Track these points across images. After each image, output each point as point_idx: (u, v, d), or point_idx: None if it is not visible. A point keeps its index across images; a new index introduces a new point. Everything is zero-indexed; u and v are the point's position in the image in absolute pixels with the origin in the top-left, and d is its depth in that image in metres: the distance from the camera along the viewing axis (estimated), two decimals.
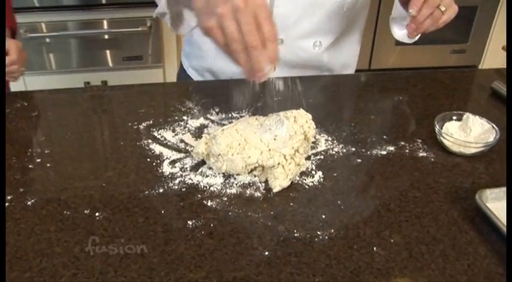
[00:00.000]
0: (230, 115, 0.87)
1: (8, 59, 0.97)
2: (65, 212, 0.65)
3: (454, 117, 0.82)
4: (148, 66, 2.04)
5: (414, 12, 0.81)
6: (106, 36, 1.98)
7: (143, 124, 0.86)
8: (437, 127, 0.79)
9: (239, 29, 0.61)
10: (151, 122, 0.87)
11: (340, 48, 1.07)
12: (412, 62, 2.28)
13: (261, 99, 0.91)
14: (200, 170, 0.73)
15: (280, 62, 1.03)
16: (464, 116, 0.80)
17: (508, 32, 0.90)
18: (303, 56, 1.03)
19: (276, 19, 0.92)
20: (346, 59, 1.11)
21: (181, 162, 0.75)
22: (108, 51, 2.02)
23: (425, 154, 0.78)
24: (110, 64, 2.06)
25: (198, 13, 0.65)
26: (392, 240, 0.60)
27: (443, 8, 0.83)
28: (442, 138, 0.78)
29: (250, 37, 0.61)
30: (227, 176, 0.71)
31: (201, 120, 0.86)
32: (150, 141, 0.81)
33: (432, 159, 0.77)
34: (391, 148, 0.79)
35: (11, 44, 0.99)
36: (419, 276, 0.56)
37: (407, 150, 0.79)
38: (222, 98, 0.92)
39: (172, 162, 0.75)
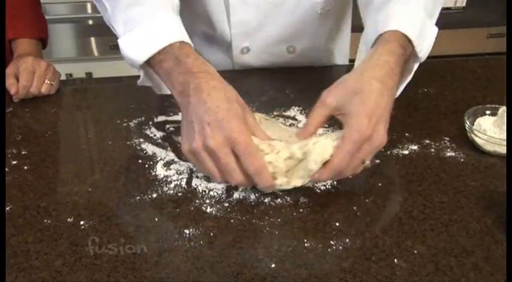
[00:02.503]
0: None
1: (20, 86, 0.92)
2: (45, 220, 0.66)
3: (488, 112, 0.82)
4: None
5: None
6: (90, 22, 2.00)
7: (134, 121, 0.88)
8: (467, 123, 0.80)
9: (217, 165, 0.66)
10: (143, 119, 0.88)
11: (321, 51, 1.10)
12: (441, 49, 2.20)
13: (266, 93, 0.93)
14: (198, 172, 0.74)
15: (251, 68, 1.06)
16: (500, 110, 0.81)
17: (508, 32, 0.91)
18: (276, 62, 1.06)
19: (235, 28, 0.96)
20: (330, 59, 1.14)
21: (177, 164, 0.76)
22: (92, 39, 2.04)
23: (453, 154, 0.79)
24: (95, 53, 2.08)
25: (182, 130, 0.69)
26: (415, 252, 0.61)
27: (367, 163, 0.72)
28: (473, 135, 0.79)
29: (231, 175, 0.65)
30: None
31: None
32: (141, 140, 0.82)
33: (462, 160, 0.78)
34: (414, 147, 0.80)
35: (21, 65, 0.95)
36: None
37: (433, 150, 0.80)
38: None
39: (167, 164, 0.77)
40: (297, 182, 0.68)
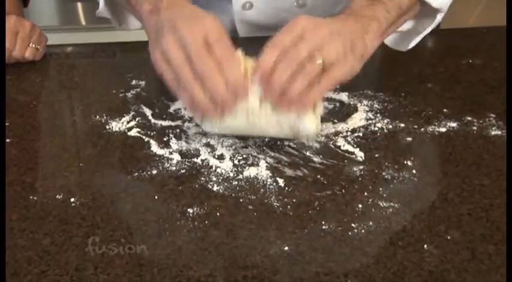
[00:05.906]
0: None
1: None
2: (30, 197, 0.71)
3: None
4: None
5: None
6: None
7: (131, 91, 0.93)
8: None
9: (187, 58, 0.71)
10: (141, 89, 0.94)
11: (339, 3, 1.11)
12: (494, 18, 2.24)
13: None
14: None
15: (256, 26, 1.09)
16: None
17: (508, 31, 0.94)
18: (284, 17, 1.08)
19: None
20: None
21: None
22: (79, 5, 2.07)
23: (499, 132, 0.82)
24: (83, 22, 2.11)
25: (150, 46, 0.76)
26: (449, 237, 0.65)
27: (320, 61, 0.71)
28: None
29: (201, 62, 0.70)
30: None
31: None
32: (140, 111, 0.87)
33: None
34: (453, 124, 0.84)
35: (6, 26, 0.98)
36: (483, 281, 0.59)
37: (475, 127, 0.83)
38: None
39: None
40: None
